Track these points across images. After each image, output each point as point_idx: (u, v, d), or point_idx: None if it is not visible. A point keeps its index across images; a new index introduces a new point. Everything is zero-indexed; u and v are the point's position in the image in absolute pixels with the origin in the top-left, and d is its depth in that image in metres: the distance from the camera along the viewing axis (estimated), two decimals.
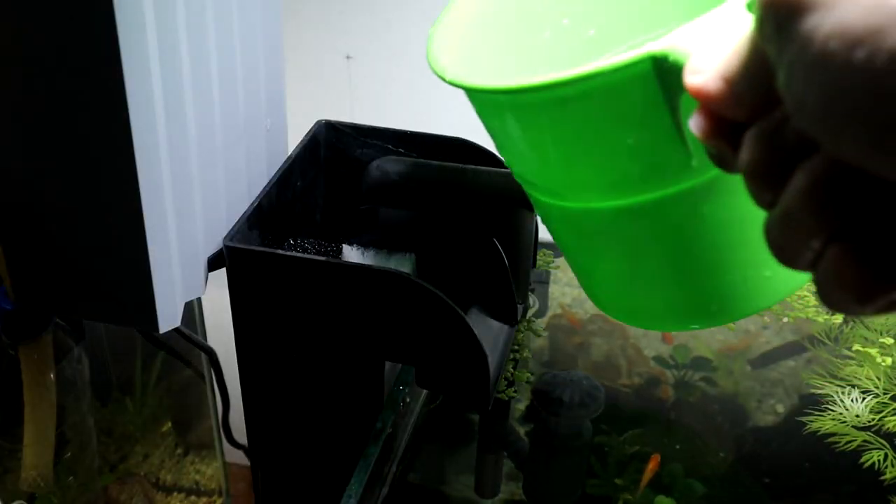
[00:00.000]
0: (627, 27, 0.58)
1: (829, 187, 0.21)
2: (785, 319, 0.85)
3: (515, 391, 0.76)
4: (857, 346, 0.81)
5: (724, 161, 0.26)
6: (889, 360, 0.79)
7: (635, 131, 0.41)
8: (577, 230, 0.48)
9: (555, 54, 0.57)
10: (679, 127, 0.39)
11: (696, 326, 0.51)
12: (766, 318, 0.85)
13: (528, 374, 0.78)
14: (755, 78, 0.24)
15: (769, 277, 0.47)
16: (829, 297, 0.22)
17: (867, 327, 0.84)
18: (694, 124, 0.26)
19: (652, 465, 0.70)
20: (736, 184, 0.38)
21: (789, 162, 0.23)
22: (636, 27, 0.58)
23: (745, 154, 0.24)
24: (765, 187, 0.24)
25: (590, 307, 0.88)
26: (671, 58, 0.36)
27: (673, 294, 0.48)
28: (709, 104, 0.25)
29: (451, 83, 0.45)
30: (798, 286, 0.48)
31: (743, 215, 0.45)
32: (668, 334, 0.84)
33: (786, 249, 0.23)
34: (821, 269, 0.22)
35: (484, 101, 0.46)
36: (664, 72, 0.37)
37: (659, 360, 0.82)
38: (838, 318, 0.85)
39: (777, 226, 0.23)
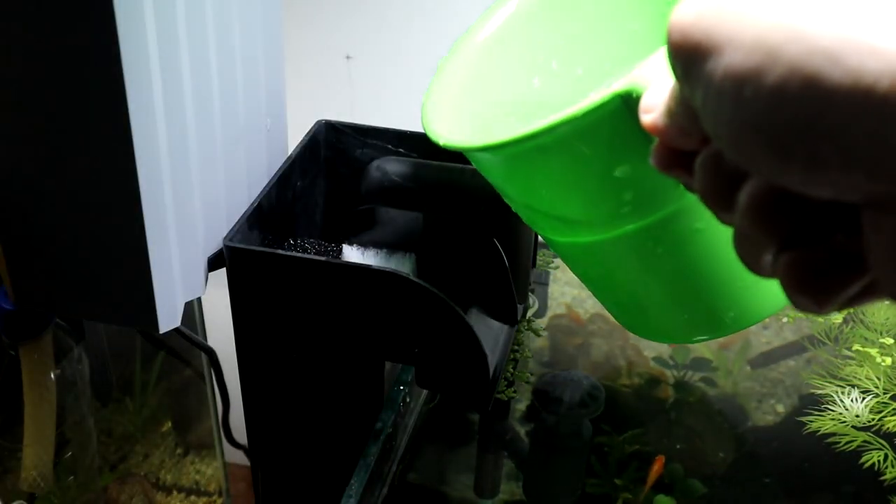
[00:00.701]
0: (612, 63, 0.60)
1: (766, 204, 0.23)
2: (784, 319, 0.85)
3: (515, 391, 0.76)
4: (856, 346, 0.81)
5: (689, 188, 0.28)
6: (889, 360, 0.79)
7: (619, 164, 0.43)
8: (591, 262, 0.51)
9: (547, 98, 0.60)
10: None
11: (719, 335, 0.53)
12: (778, 319, 0.85)
13: (528, 375, 0.78)
14: (691, 112, 0.26)
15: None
16: (793, 300, 0.24)
17: (867, 327, 0.84)
18: (652, 157, 0.28)
19: (657, 467, 0.70)
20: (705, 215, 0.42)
21: (734, 184, 0.25)
22: (622, 61, 0.59)
23: (696, 181, 0.26)
24: (719, 209, 0.26)
25: (590, 307, 0.88)
26: (635, 93, 0.38)
27: (690, 309, 0.50)
28: (661, 138, 0.27)
29: (445, 147, 0.49)
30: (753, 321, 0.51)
31: (718, 247, 0.47)
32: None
33: (748, 262, 0.25)
34: (778, 277, 0.24)
35: (477, 158, 0.49)
36: (632, 106, 0.39)
37: (659, 360, 0.82)
38: (838, 318, 0.85)
39: (736, 241, 0.25)
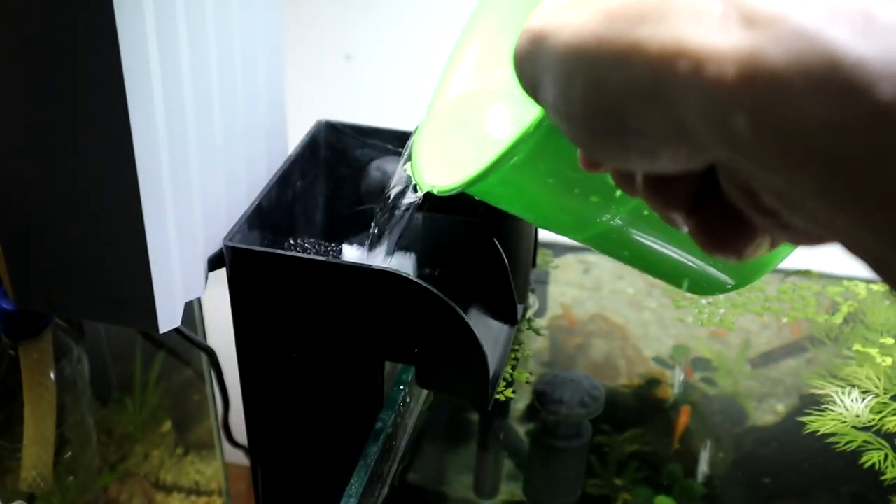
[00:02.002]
0: None
1: (652, 186, 0.28)
2: (784, 320, 0.85)
3: (514, 392, 0.76)
4: (857, 346, 0.81)
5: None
6: (889, 360, 0.79)
7: (575, 173, 0.48)
8: (608, 249, 0.57)
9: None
10: None
11: (728, 289, 0.60)
12: (765, 318, 0.85)
13: (528, 374, 0.78)
14: None
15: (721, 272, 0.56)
16: (712, 256, 0.28)
17: (868, 327, 0.84)
18: (580, 162, 0.31)
19: (684, 419, 0.70)
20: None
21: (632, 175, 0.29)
22: None
23: (611, 176, 0.30)
24: (636, 195, 0.29)
25: (590, 307, 0.88)
26: None
27: (693, 271, 0.57)
28: None
29: (439, 193, 0.55)
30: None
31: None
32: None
33: (672, 225, 0.29)
34: (694, 239, 0.28)
35: (472, 191, 0.54)
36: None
37: (659, 360, 0.82)
38: (838, 319, 0.85)
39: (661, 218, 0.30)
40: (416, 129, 0.64)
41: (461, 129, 0.62)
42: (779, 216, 0.25)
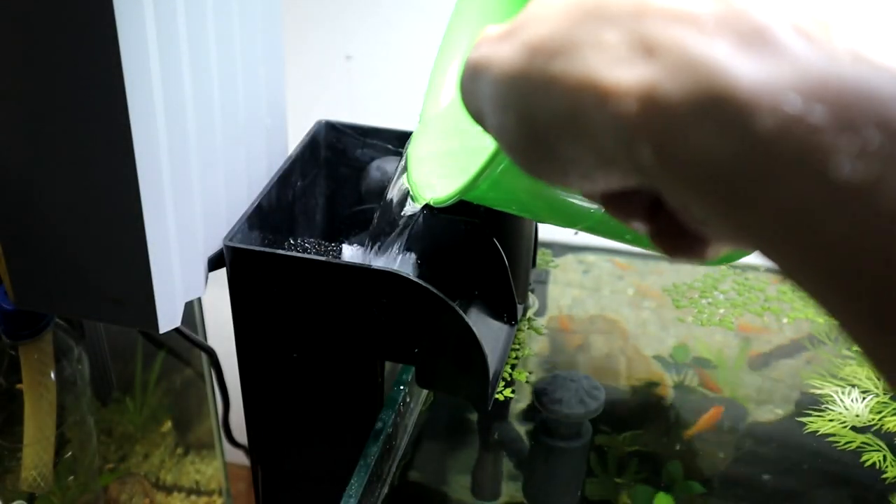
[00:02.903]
0: None
1: (607, 200, 0.28)
2: (785, 320, 0.85)
3: (514, 392, 0.76)
4: (856, 346, 0.81)
5: None
6: None
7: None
8: (606, 234, 0.59)
9: None
10: None
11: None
12: (765, 318, 0.85)
13: (528, 374, 0.78)
14: None
15: None
16: (673, 259, 0.29)
17: None
18: None
19: (710, 418, 0.70)
20: None
21: None
22: None
23: None
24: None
25: (590, 307, 0.88)
26: None
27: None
28: None
29: (434, 203, 0.57)
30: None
31: None
32: (711, 383, 0.84)
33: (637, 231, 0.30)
34: (654, 245, 0.29)
35: (468, 198, 0.56)
36: None
37: (658, 360, 0.82)
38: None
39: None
40: (409, 141, 0.65)
41: (452, 138, 0.62)
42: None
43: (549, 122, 0.26)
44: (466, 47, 0.65)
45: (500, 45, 0.28)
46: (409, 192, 0.61)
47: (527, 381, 0.77)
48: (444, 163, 0.61)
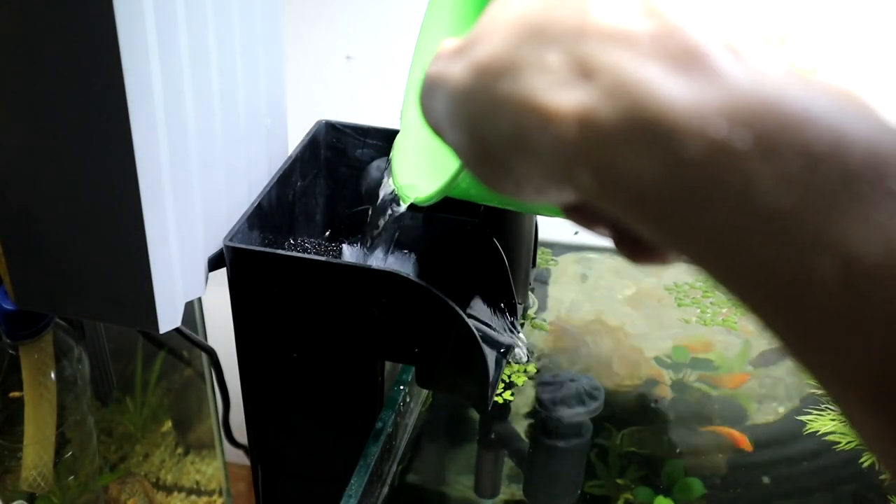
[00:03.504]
0: None
1: (568, 210, 0.29)
2: None
3: (513, 395, 0.76)
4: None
5: None
6: None
7: None
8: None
9: None
10: None
11: None
12: None
13: (528, 375, 0.78)
14: None
15: None
16: (636, 264, 0.29)
17: None
18: None
19: (739, 438, 0.70)
20: None
21: None
22: None
23: None
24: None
25: (590, 307, 0.88)
26: None
27: None
28: None
29: (417, 203, 0.57)
30: None
31: None
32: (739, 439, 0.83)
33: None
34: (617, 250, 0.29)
35: (452, 194, 0.56)
36: None
37: (658, 360, 0.82)
38: None
39: None
40: (394, 143, 0.65)
41: (431, 138, 0.63)
42: None
43: (498, 142, 0.26)
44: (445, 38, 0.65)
45: (453, 62, 0.28)
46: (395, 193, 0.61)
47: (527, 380, 0.77)
48: (425, 163, 0.61)
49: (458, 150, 0.29)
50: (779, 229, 0.21)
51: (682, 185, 0.22)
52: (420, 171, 0.60)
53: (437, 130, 0.30)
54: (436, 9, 0.64)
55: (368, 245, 0.66)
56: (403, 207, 0.60)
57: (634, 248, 0.28)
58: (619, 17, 0.24)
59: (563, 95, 0.24)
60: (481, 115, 0.26)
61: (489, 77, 0.26)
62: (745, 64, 0.22)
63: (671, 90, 0.22)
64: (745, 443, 0.71)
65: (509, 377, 0.77)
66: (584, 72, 0.23)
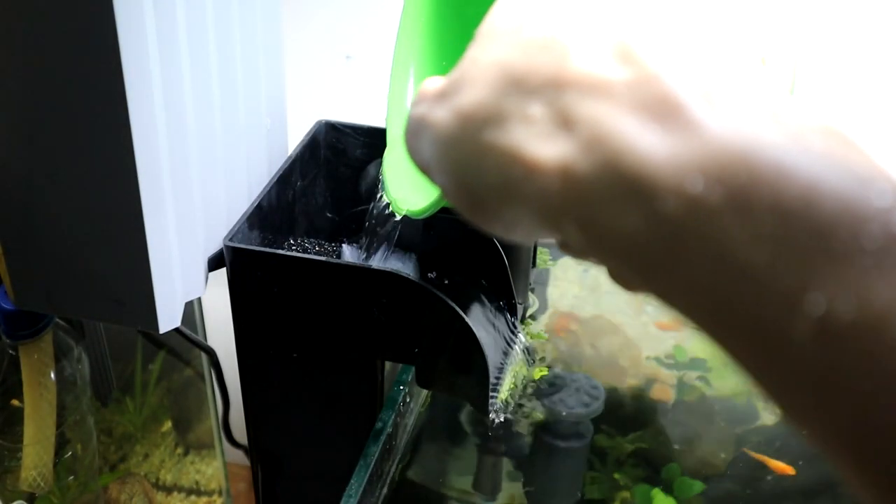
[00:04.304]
0: None
1: (557, 243, 0.28)
2: None
3: (513, 394, 0.76)
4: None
5: None
6: None
7: None
8: None
9: None
10: None
11: None
12: None
13: (529, 373, 0.78)
14: None
15: None
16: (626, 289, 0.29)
17: None
18: None
19: (782, 468, 0.70)
20: None
21: None
22: None
23: None
24: None
25: (589, 307, 0.88)
26: None
27: None
28: None
29: (411, 215, 0.57)
30: None
31: None
32: (664, 323, 0.84)
33: None
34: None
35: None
36: None
37: (658, 360, 0.82)
38: None
39: None
40: (383, 157, 0.65)
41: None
42: None
43: (485, 189, 0.26)
44: (416, 65, 0.64)
45: (437, 106, 0.28)
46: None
47: (527, 380, 0.77)
48: (414, 177, 0.61)
49: (446, 193, 0.29)
50: (755, 285, 0.21)
51: (663, 239, 0.22)
52: (411, 184, 0.60)
53: (426, 171, 0.30)
54: (408, 31, 0.64)
55: (368, 245, 0.66)
56: (396, 219, 0.61)
57: (627, 281, 0.28)
58: (596, 65, 0.24)
59: (545, 148, 0.24)
60: (467, 163, 0.26)
61: (473, 125, 0.26)
62: (722, 113, 0.22)
63: (648, 144, 0.22)
64: (787, 468, 0.70)
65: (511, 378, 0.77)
66: (565, 123, 0.24)
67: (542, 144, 0.24)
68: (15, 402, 0.72)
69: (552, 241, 0.27)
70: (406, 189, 0.60)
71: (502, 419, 0.63)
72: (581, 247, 0.24)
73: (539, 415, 0.74)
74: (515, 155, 0.24)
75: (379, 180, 0.71)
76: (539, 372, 0.79)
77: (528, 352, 0.76)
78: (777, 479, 0.70)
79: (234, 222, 0.65)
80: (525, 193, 0.24)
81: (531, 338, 0.83)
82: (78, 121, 0.55)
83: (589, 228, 0.23)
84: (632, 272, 0.23)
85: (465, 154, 0.26)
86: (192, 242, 0.63)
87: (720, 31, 0.25)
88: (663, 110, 0.22)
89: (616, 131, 0.22)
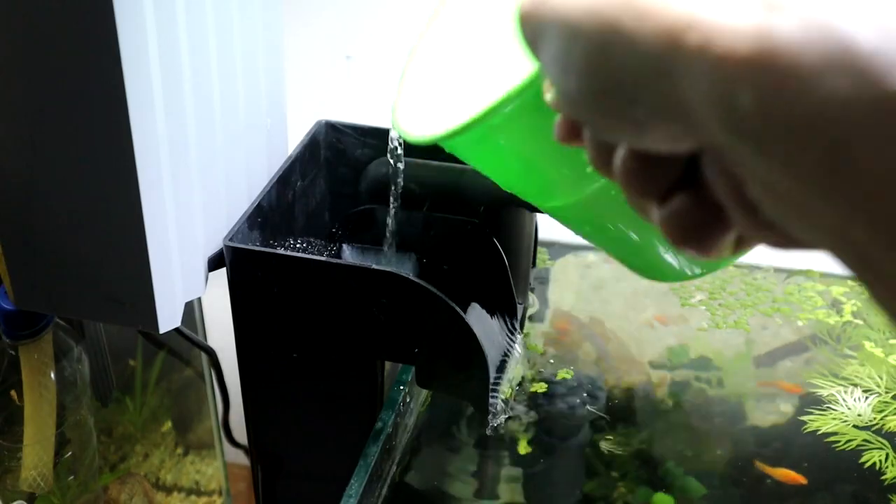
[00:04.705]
0: None
1: (632, 167, 0.26)
2: (800, 322, 0.85)
3: (513, 394, 0.76)
4: (861, 345, 0.81)
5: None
6: (893, 359, 0.79)
7: (551, 143, 0.45)
8: (580, 220, 0.54)
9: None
10: None
11: (686, 278, 0.57)
12: (777, 319, 0.85)
13: (529, 374, 0.78)
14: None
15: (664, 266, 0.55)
16: (679, 250, 0.27)
17: (870, 327, 0.84)
18: (555, 132, 0.31)
19: (792, 477, 0.69)
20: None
21: (610, 152, 0.28)
22: None
23: (587, 153, 0.29)
24: (606, 175, 0.28)
25: (590, 307, 0.88)
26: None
27: (653, 256, 0.54)
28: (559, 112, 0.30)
29: (412, 141, 0.52)
30: (686, 278, 0.56)
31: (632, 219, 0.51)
32: (659, 316, 0.84)
33: (645, 219, 0.28)
34: (664, 231, 0.27)
35: (450, 146, 0.52)
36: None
37: (659, 360, 0.82)
38: (845, 318, 0.85)
39: (629, 201, 0.29)
40: (402, 70, 0.60)
41: (445, 76, 0.58)
42: (758, 213, 0.24)
43: (625, 59, 0.24)
44: None
45: None
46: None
47: (528, 381, 0.77)
48: (431, 101, 0.56)
49: (560, 60, 0.26)
50: None
51: (878, 117, 0.20)
52: (425, 108, 0.56)
53: (535, 41, 0.27)
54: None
55: (368, 245, 0.66)
56: (397, 141, 0.58)
57: (686, 227, 0.26)
58: None
59: (735, 16, 0.22)
60: (612, 29, 0.24)
61: None
62: None
63: (871, 28, 0.21)
64: (799, 478, 0.70)
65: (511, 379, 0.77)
66: (767, 4, 0.22)
67: (732, 13, 0.22)
68: (13, 394, 0.72)
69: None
70: (416, 111, 0.56)
71: (502, 419, 0.63)
72: (741, 129, 0.22)
73: (539, 414, 0.74)
74: (692, 20, 0.22)
75: (380, 180, 0.71)
76: (537, 386, 0.79)
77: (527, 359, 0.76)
78: (778, 480, 0.70)
79: (234, 222, 0.65)
80: (691, 63, 0.22)
81: (529, 348, 0.82)
82: (78, 121, 0.55)
83: (776, 101, 0.21)
84: (797, 163, 0.21)
85: (613, 20, 0.24)
86: (192, 242, 0.63)
87: None
88: (881, 18, 0.21)
89: (833, 12, 0.21)
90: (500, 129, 0.46)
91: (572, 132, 0.30)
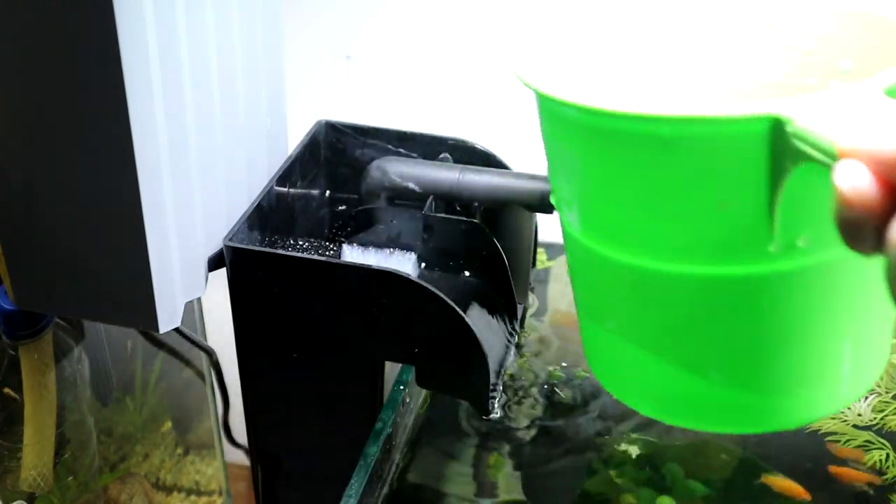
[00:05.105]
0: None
1: None
2: None
3: (514, 393, 0.76)
4: None
5: (860, 236, 0.26)
6: (894, 359, 0.79)
7: (727, 193, 0.36)
8: (615, 285, 0.44)
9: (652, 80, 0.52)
10: (774, 203, 0.36)
11: (706, 427, 0.47)
12: None
13: (529, 374, 0.78)
14: None
15: (803, 397, 0.44)
16: None
17: None
18: (845, 230, 0.26)
19: (797, 491, 0.69)
20: (806, 287, 0.37)
21: None
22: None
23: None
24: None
25: None
26: (791, 127, 0.32)
27: (699, 382, 0.43)
28: (868, 212, 0.25)
29: (538, 92, 0.41)
30: (819, 416, 0.47)
31: (806, 325, 0.41)
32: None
33: None
34: None
35: (578, 121, 0.40)
36: (779, 138, 0.33)
37: None
38: None
39: None
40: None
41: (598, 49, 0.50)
42: None
43: None
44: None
45: None
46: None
47: (527, 381, 0.77)
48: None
49: None
50: None
51: None
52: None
53: None
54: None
55: (368, 245, 0.66)
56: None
57: None
58: None
59: None
60: None
61: None
62: None
63: None
64: (804, 492, 0.69)
65: (510, 375, 0.77)
66: None
67: None
68: (7, 391, 0.72)
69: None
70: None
71: (502, 419, 0.63)
72: None
73: (539, 414, 0.74)
74: None
75: (380, 180, 0.71)
76: (536, 386, 0.79)
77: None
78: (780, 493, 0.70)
79: (234, 222, 0.65)
80: None
81: (552, 377, 0.80)
82: (78, 121, 0.55)
83: None
84: None
85: None
86: (192, 242, 0.63)
87: None
88: None
89: None
90: (669, 142, 0.35)
91: (874, 231, 0.25)
